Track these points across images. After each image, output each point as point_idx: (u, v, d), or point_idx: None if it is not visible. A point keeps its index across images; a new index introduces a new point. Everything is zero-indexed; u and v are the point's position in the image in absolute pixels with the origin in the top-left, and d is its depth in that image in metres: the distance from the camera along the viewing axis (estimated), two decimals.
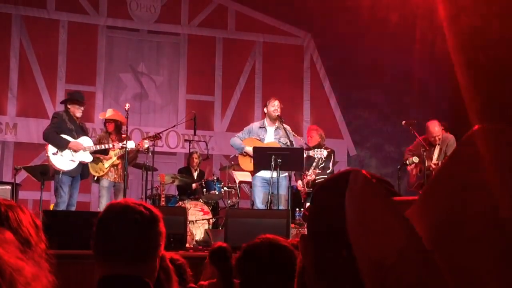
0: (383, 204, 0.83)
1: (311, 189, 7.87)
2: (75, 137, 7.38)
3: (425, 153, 7.51)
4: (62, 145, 7.27)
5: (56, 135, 7.32)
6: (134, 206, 1.88)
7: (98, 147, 7.48)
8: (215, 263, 3.58)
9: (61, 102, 7.93)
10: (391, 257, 0.78)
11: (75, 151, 7.31)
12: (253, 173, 7.44)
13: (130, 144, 7.49)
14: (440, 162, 7.49)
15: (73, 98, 7.54)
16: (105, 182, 7.69)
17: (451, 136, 7.81)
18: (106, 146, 7.55)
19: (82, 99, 7.55)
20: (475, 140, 0.78)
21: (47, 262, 1.42)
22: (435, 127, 7.55)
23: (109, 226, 1.86)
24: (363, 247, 0.82)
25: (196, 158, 9.42)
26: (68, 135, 7.34)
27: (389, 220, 0.80)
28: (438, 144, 7.57)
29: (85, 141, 7.45)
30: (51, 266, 1.42)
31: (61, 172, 7.25)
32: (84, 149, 7.37)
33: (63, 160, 7.27)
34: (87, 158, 7.43)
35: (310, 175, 8.08)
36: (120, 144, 7.52)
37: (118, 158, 7.71)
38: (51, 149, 7.29)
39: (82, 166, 7.48)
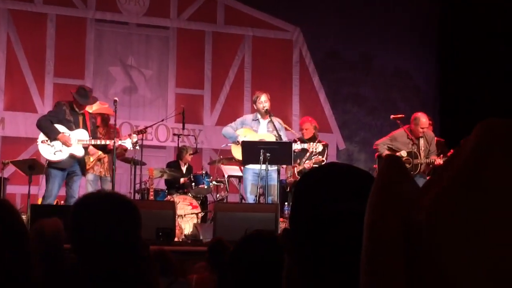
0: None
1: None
2: (72, 129, 7.12)
3: (413, 146, 7.58)
4: (51, 135, 7.04)
5: (48, 123, 7.09)
6: (106, 196, 1.86)
7: (93, 142, 7.18)
8: (213, 258, 3.59)
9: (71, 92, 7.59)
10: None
11: (63, 143, 7.05)
12: (242, 165, 7.47)
13: (127, 144, 7.26)
14: (429, 158, 7.55)
15: (77, 94, 7.30)
16: (90, 176, 7.62)
17: (432, 133, 7.93)
18: (103, 142, 7.25)
19: (82, 100, 7.23)
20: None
21: (34, 255, 1.43)
22: (423, 119, 7.62)
23: (84, 220, 1.83)
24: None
25: (188, 155, 9.41)
26: (65, 126, 7.10)
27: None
28: (421, 137, 7.63)
29: (79, 135, 7.14)
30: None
31: (46, 162, 7.08)
32: (69, 145, 7.01)
33: (50, 150, 7.04)
34: (79, 151, 7.11)
35: (302, 165, 8.07)
36: (119, 142, 7.24)
37: (104, 152, 7.63)
38: (41, 136, 7.13)
39: (78, 161, 7.20)
